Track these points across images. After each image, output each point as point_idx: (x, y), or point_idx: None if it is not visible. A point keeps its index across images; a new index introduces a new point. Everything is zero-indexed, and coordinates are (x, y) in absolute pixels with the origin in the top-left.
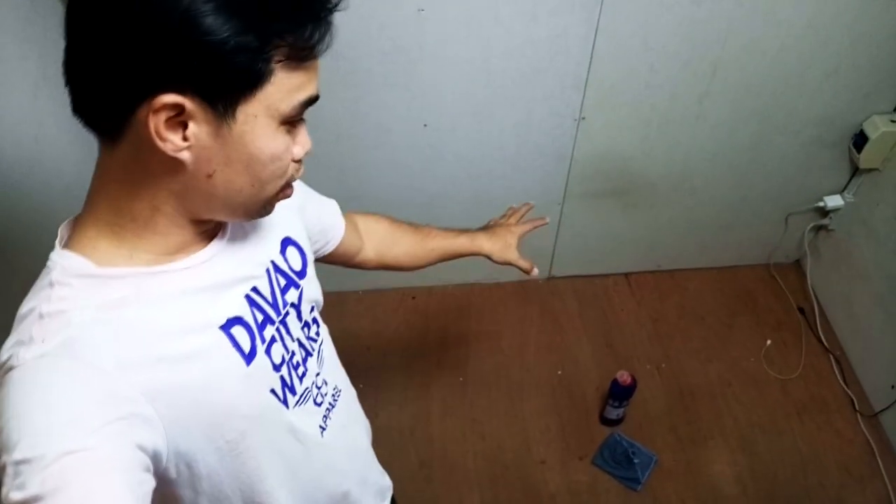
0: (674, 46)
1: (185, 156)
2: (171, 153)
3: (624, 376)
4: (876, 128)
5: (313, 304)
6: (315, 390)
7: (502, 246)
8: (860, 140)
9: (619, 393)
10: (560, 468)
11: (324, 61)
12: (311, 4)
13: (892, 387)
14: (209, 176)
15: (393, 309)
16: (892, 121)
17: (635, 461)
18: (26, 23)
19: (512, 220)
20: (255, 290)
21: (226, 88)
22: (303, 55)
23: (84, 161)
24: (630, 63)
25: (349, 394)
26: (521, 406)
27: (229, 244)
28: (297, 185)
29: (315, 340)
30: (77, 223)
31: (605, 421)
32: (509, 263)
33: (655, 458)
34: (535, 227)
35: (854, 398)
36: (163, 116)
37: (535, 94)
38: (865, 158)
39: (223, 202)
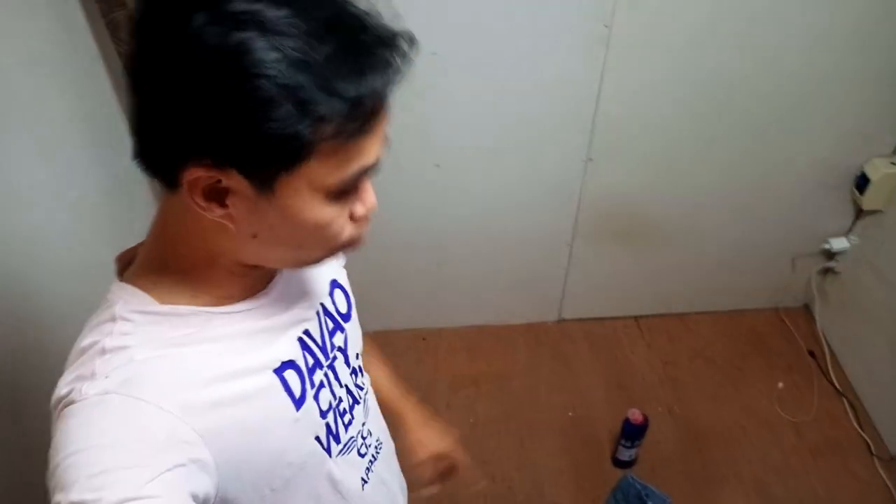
0: (680, 92)
1: (227, 221)
2: (211, 218)
3: (636, 414)
4: (877, 170)
5: (357, 350)
6: (360, 440)
7: (423, 446)
8: (862, 182)
9: (632, 432)
10: None
11: None
12: (363, 81)
13: None
14: (254, 236)
15: (403, 350)
16: (893, 163)
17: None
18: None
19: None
20: (306, 332)
21: (262, 165)
22: (350, 131)
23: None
24: (636, 106)
25: (389, 447)
26: (533, 448)
27: (284, 286)
28: None
29: (362, 389)
30: (138, 256)
31: (618, 463)
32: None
33: (669, 500)
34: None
35: (870, 441)
36: (200, 185)
37: (543, 134)
38: (868, 200)
39: (275, 259)
